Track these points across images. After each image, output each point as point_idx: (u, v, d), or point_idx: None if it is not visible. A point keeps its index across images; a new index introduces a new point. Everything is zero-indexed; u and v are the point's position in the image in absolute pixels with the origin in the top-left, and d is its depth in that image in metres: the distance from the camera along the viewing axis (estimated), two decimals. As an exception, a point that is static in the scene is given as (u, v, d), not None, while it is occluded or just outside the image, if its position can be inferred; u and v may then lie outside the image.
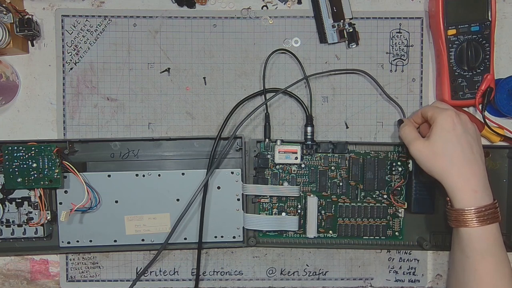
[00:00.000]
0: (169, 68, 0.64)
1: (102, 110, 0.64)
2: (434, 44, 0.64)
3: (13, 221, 0.60)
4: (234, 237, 0.63)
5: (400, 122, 0.61)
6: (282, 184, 0.63)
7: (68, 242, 0.62)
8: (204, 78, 0.65)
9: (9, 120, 0.64)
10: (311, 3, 0.64)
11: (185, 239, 0.63)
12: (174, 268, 0.66)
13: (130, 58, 0.64)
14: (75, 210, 0.59)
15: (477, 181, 0.52)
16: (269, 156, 0.62)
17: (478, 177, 0.52)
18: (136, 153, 0.64)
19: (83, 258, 0.65)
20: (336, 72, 0.65)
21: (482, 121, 0.62)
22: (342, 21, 0.63)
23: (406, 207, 0.63)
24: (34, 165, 0.57)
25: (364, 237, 0.64)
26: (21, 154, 0.57)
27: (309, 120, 0.62)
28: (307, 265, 0.66)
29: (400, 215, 0.64)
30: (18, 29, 0.59)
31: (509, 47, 0.65)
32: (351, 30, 0.63)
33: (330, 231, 0.64)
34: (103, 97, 0.64)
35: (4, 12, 0.58)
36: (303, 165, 0.63)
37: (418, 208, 0.61)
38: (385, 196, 0.63)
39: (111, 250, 0.64)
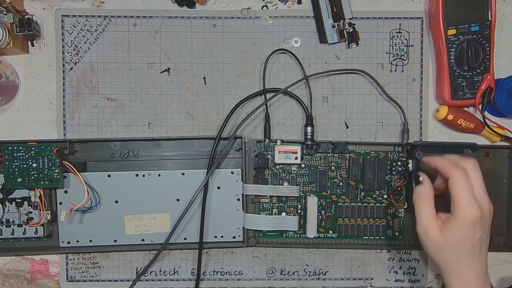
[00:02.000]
0: (169, 68, 0.64)
1: (102, 110, 0.64)
2: (434, 44, 0.64)
3: (13, 221, 0.60)
4: (234, 237, 0.63)
5: (417, 178, 0.52)
6: (282, 184, 0.63)
7: (68, 242, 0.62)
8: (204, 78, 0.65)
9: (9, 120, 0.64)
10: (311, 3, 0.64)
11: (185, 239, 0.63)
12: (174, 268, 0.66)
13: (130, 58, 0.64)
14: (75, 210, 0.59)
15: (477, 282, 0.50)
16: (269, 156, 0.62)
17: (479, 277, 0.50)
18: (136, 153, 0.64)
19: (83, 258, 0.65)
20: (336, 72, 0.65)
21: (482, 121, 0.62)
22: (342, 21, 0.63)
23: (406, 207, 0.63)
24: (34, 165, 0.57)
25: (364, 237, 0.64)
26: (21, 154, 0.57)
27: (309, 120, 0.62)
28: (307, 265, 0.66)
29: (400, 215, 0.64)
30: (18, 29, 0.59)
31: (509, 47, 0.65)
32: (351, 30, 0.63)
33: (330, 231, 0.64)
34: (103, 97, 0.64)
35: (4, 12, 0.58)
36: (303, 165, 0.63)
37: (418, 208, 0.61)
38: (385, 196, 0.63)
39: (111, 250, 0.64)
